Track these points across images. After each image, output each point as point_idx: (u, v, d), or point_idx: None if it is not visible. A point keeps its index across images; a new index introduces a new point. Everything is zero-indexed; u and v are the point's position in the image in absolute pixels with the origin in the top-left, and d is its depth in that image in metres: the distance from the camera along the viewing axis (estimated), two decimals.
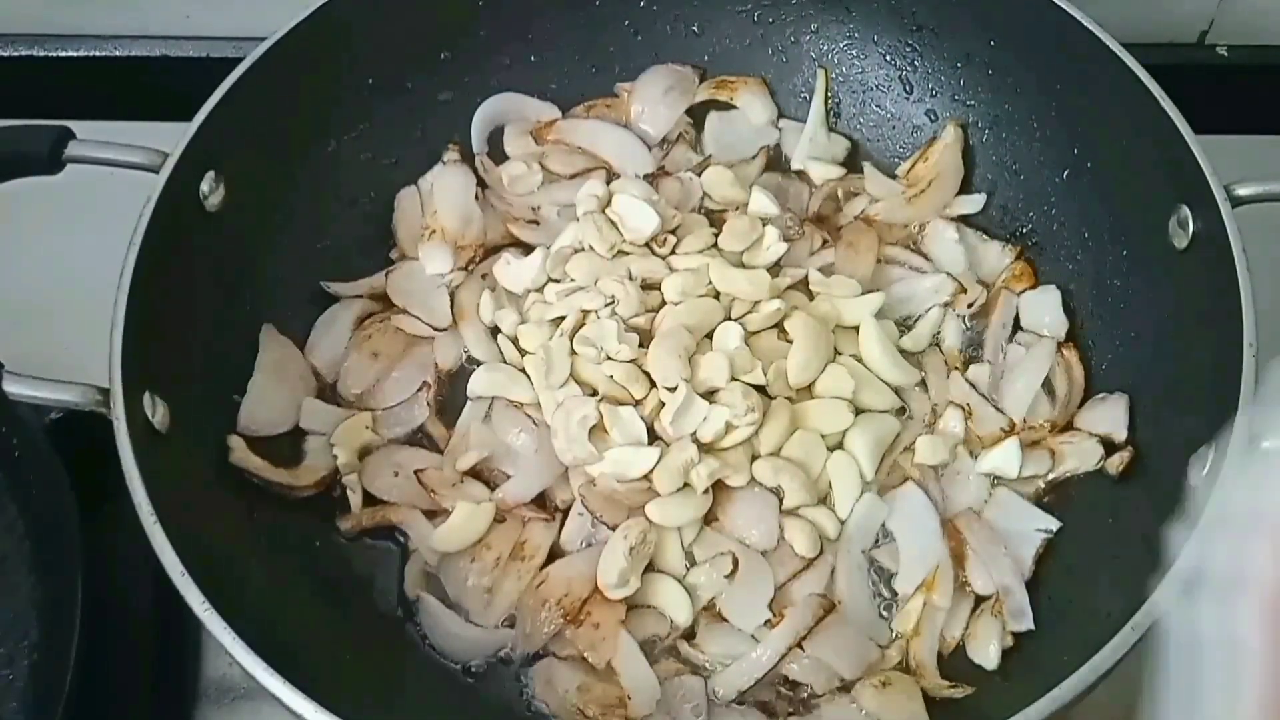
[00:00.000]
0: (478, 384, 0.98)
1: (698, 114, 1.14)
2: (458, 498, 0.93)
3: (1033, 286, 1.03)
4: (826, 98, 1.13)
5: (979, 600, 0.90)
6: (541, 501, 0.95)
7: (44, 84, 1.30)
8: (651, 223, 0.99)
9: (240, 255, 0.98)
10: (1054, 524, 0.90)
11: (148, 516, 0.77)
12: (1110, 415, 0.94)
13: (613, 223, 1.01)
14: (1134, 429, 0.93)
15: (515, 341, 1.01)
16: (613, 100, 1.15)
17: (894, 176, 1.10)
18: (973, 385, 0.98)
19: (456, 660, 0.90)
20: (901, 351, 0.99)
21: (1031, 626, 0.85)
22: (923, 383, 0.99)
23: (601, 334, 0.93)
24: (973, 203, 1.07)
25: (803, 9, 1.12)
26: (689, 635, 0.89)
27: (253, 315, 0.99)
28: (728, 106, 1.14)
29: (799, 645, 0.86)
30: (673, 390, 0.90)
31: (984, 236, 1.06)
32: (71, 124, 0.91)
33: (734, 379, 0.91)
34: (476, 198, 1.09)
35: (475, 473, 0.96)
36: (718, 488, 0.91)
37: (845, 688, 0.86)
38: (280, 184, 1.02)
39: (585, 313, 0.97)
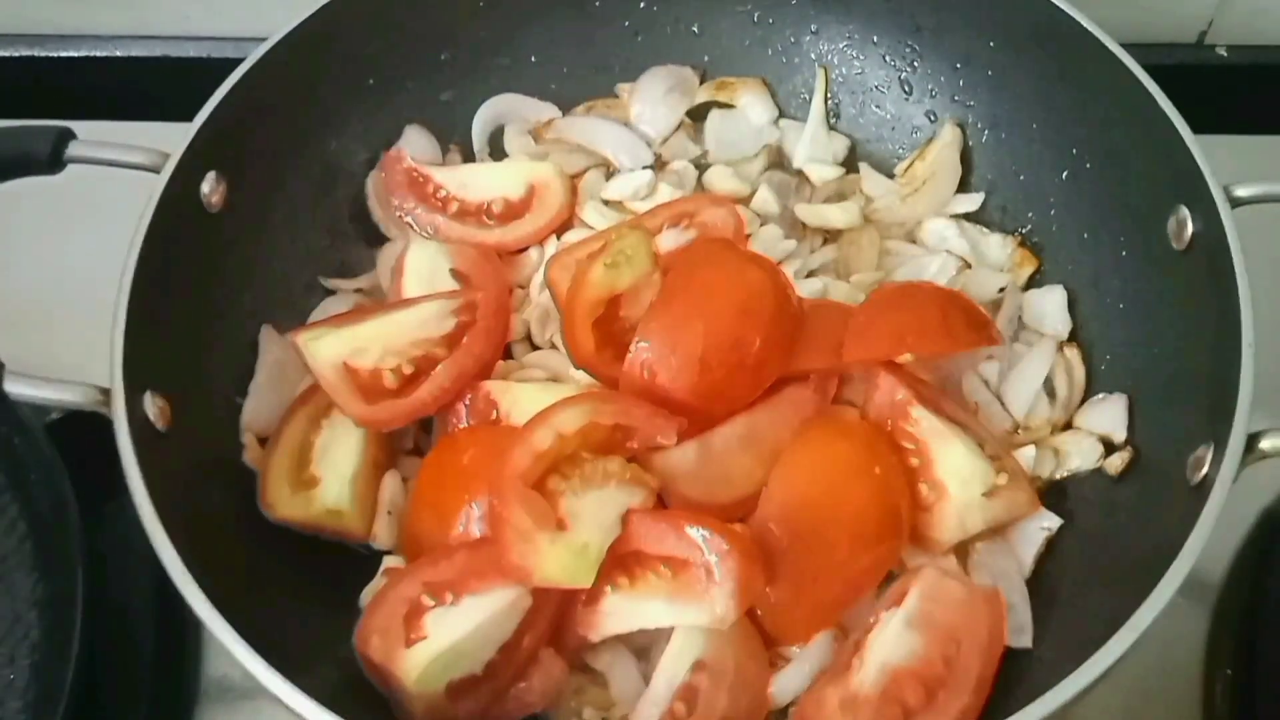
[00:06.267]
0: None
1: (699, 112, 1.15)
2: None
3: (1037, 271, 1.03)
4: (826, 98, 1.13)
5: None
6: None
7: (45, 84, 1.30)
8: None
9: (240, 255, 0.98)
10: (1056, 521, 0.90)
11: (148, 515, 0.77)
12: (1110, 415, 0.94)
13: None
14: (1133, 429, 0.93)
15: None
16: (612, 101, 1.15)
17: (892, 176, 1.10)
18: (984, 381, 0.98)
19: None
20: None
21: (1030, 645, 0.85)
22: None
23: None
24: (971, 201, 1.08)
25: (803, 9, 1.12)
26: None
27: (253, 315, 0.99)
28: (729, 106, 1.14)
29: None
30: None
31: (984, 230, 1.07)
32: (72, 124, 0.92)
33: None
34: None
35: None
36: None
37: None
38: (280, 184, 1.02)
39: None
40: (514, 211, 1.05)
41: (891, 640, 0.80)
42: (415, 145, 1.10)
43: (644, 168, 1.10)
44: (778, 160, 1.13)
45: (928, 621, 0.81)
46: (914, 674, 0.79)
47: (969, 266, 1.03)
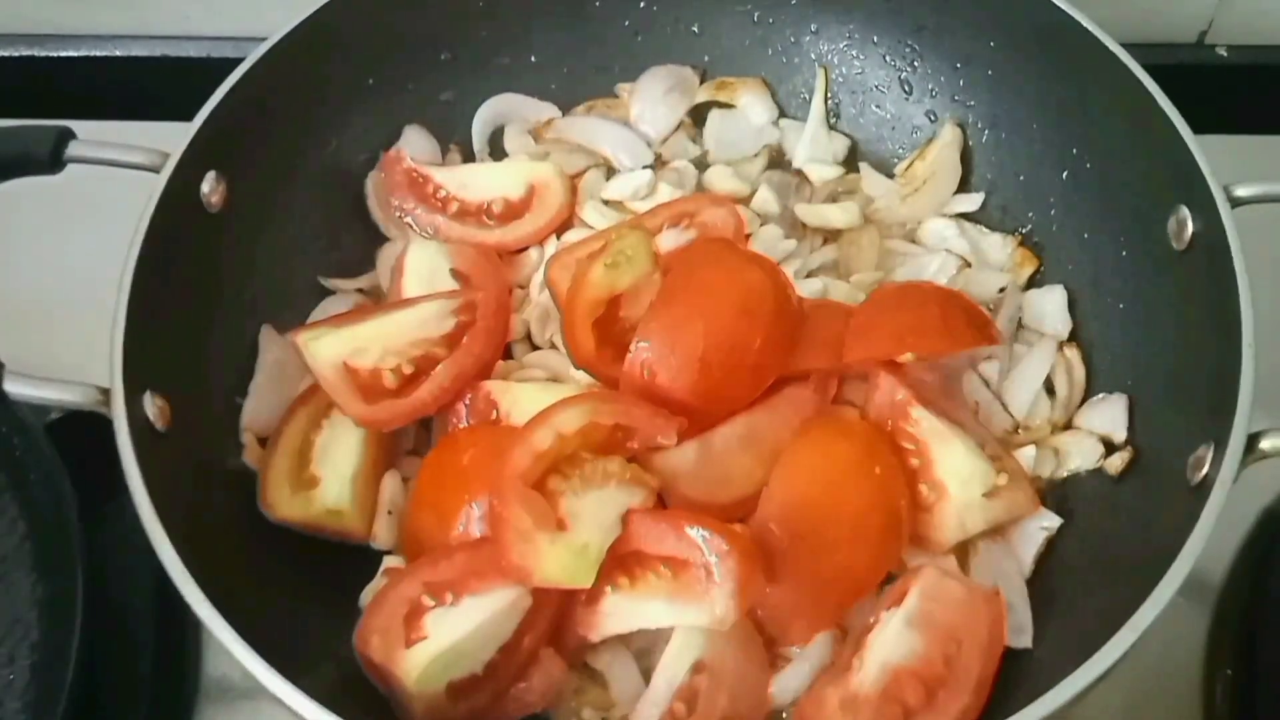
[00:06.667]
0: None
1: (699, 112, 1.15)
2: None
3: (1037, 271, 1.03)
4: (826, 98, 1.13)
5: None
6: None
7: (44, 84, 1.30)
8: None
9: (240, 255, 0.98)
10: (1056, 521, 0.90)
11: (148, 515, 0.77)
12: (1110, 415, 0.94)
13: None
14: (1133, 429, 0.93)
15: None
16: (613, 101, 1.15)
17: (892, 176, 1.10)
18: (985, 381, 0.98)
19: None
20: None
21: (1029, 645, 0.85)
22: None
23: None
24: (971, 201, 1.08)
25: (803, 9, 1.12)
26: None
27: (253, 315, 0.99)
28: (729, 106, 1.14)
29: None
30: None
31: (984, 230, 1.07)
32: (72, 124, 0.92)
33: None
34: None
35: None
36: None
37: None
38: (280, 184, 1.02)
39: None
40: (514, 211, 1.05)
41: (892, 640, 0.80)
42: (415, 145, 1.10)
43: (644, 167, 1.10)
44: (778, 160, 1.13)
45: (928, 621, 0.81)
46: (914, 673, 0.79)
47: (969, 266, 1.03)
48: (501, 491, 0.79)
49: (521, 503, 0.78)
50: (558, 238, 1.06)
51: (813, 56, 1.14)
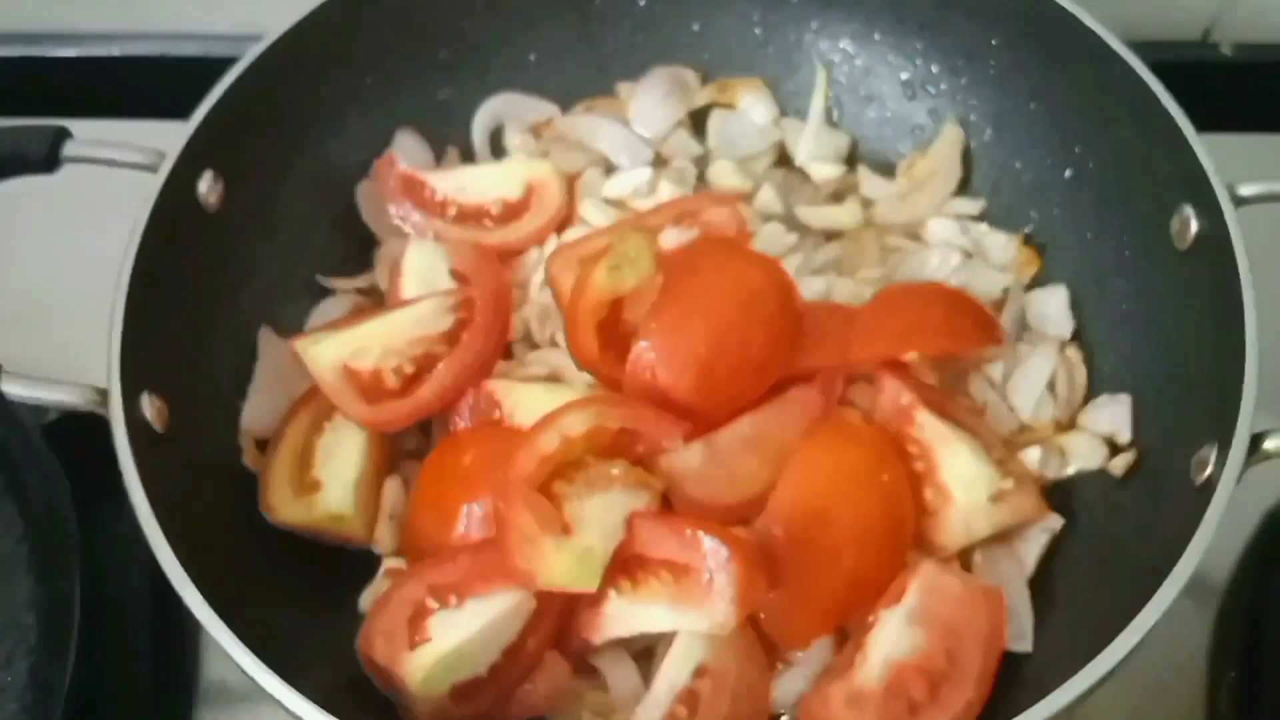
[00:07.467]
0: None
1: (701, 112, 1.14)
2: None
3: (1040, 271, 1.03)
4: (827, 96, 1.13)
5: None
6: None
7: (40, 83, 1.30)
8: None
9: (238, 255, 0.98)
10: (1058, 522, 0.90)
11: (146, 517, 0.77)
12: (1114, 415, 0.94)
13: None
14: (1137, 429, 0.93)
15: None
16: (612, 100, 1.14)
17: (894, 175, 1.10)
18: (990, 382, 0.97)
19: None
20: None
21: (1030, 649, 0.85)
22: None
23: None
24: (973, 205, 1.07)
25: (804, 7, 1.11)
26: None
27: (251, 315, 0.99)
28: (730, 108, 1.14)
29: None
30: None
31: (987, 230, 1.06)
32: (68, 123, 0.91)
33: None
34: None
35: None
36: None
37: None
38: (279, 183, 1.02)
39: None
40: (514, 212, 1.05)
41: (893, 635, 0.80)
42: (407, 150, 1.09)
43: (644, 166, 1.09)
44: (780, 158, 1.12)
45: (928, 616, 0.81)
46: (917, 668, 0.79)
47: (970, 257, 1.03)
48: (507, 495, 0.78)
49: (527, 506, 0.78)
50: (558, 236, 1.05)
51: (814, 54, 1.13)
